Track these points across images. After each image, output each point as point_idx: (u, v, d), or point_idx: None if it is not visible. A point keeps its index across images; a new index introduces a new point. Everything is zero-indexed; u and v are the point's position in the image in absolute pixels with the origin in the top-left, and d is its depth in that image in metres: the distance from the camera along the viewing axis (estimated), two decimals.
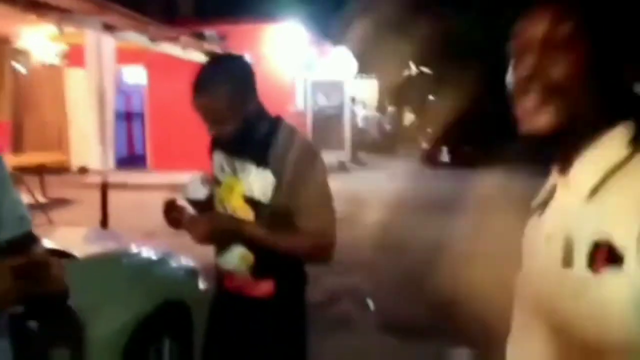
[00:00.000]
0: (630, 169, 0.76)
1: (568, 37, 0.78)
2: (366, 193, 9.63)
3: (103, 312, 2.21)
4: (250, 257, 1.75)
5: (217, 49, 8.71)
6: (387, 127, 18.00)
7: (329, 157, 13.96)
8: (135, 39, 6.09)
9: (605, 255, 0.70)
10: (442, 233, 6.89)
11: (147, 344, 2.40)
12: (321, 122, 12.49)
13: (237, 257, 1.75)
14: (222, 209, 1.76)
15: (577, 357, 0.75)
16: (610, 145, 0.78)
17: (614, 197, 0.74)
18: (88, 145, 5.93)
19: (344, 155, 12.72)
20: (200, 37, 8.41)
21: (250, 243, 1.72)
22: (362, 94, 19.18)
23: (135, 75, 11.86)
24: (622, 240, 0.69)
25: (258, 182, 1.64)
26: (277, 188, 1.62)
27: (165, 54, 7.34)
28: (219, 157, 1.78)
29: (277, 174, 1.62)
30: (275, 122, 1.72)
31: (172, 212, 1.81)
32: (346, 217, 7.87)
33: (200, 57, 8.56)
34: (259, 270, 1.75)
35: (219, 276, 1.83)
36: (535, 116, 0.80)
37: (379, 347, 3.71)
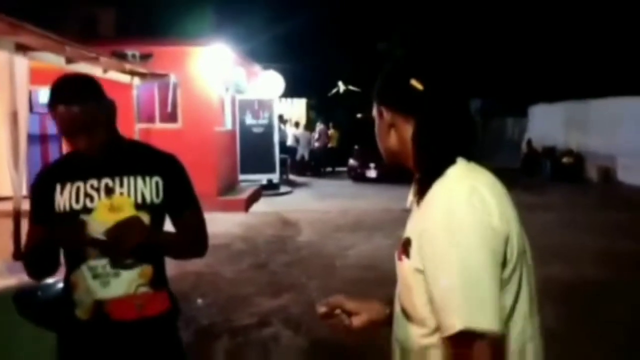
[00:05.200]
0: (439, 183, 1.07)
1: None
2: (296, 214, 9.66)
3: (22, 347, 2.09)
4: (149, 269, 1.69)
5: (140, 69, 8.49)
6: (316, 144, 18.18)
7: (259, 178, 13.62)
8: (51, 59, 5.82)
9: (403, 249, 1.06)
10: (373, 251, 7.01)
11: None
12: (250, 141, 12.40)
13: (132, 276, 1.66)
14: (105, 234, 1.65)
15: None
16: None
17: (422, 207, 1.08)
18: (0, 170, 5.54)
19: (274, 176, 12.69)
20: (122, 57, 8.15)
21: (152, 252, 1.69)
22: (290, 112, 19.26)
23: None
24: (411, 236, 1.05)
25: (148, 188, 1.71)
26: (166, 190, 1.73)
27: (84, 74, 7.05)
28: (71, 188, 1.68)
29: (165, 178, 1.74)
30: (125, 138, 1.80)
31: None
32: (276, 239, 7.86)
33: (123, 78, 8.30)
34: (157, 282, 1.72)
35: (94, 314, 1.66)
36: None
37: None
